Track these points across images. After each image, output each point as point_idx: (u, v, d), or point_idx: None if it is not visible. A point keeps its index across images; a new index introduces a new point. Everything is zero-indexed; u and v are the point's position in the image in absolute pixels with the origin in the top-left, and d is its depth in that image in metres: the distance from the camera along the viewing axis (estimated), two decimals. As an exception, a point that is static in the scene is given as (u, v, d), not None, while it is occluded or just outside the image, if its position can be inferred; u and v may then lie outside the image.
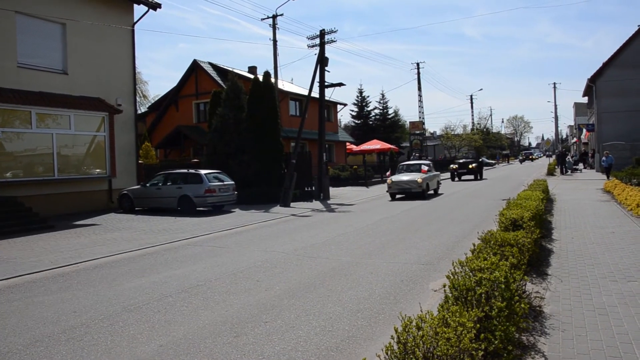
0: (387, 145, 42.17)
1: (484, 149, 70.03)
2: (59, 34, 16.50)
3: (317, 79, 22.13)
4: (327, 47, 22.51)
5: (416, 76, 52.91)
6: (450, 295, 3.80)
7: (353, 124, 58.49)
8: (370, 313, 5.44)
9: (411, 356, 2.80)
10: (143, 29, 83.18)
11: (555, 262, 7.33)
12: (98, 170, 17.30)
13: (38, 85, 15.52)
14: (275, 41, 25.75)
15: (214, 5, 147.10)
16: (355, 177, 31.44)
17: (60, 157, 15.95)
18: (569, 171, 34.58)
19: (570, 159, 37.74)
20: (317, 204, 19.48)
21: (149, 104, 41.47)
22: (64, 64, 16.63)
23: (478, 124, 77.96)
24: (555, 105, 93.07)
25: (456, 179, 33.44)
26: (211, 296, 6.31)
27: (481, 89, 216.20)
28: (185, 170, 17.55)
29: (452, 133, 65.48)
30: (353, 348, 4.47)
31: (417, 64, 52.91)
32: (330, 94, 23.78)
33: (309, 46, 23.40)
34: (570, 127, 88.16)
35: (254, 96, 21.46)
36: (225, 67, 31.78)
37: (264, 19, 26.28)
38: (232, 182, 17.62)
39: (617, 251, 7.88)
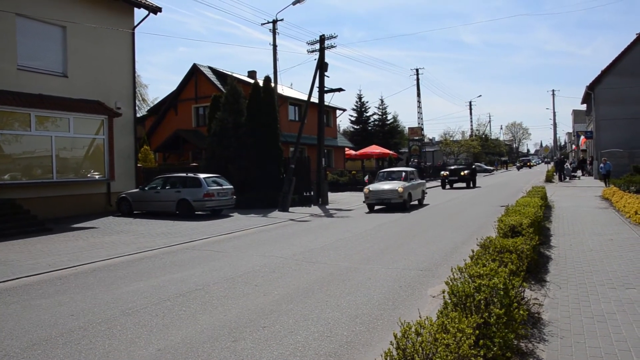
0: (386, 151, 42.20)
1: (483, 155, 70.23)
2: (59, 37, 16.51)
3: (316, 84, 22.20)
4: (326, 52, 22.59)
5: (415, 82, 53.02)
6: (449, 301, 3.80)
7: (352, 129, 58.61)
8: (369, 319, 5.43)
9: (410, 362, 2.79)
10: (143, 33, 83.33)
11: (553, 269, 7.33)
12: (97, 173, 17.26)
13: (38, 88, 15.51)
14: (275, 46, 25.82)
15: (214, 9, 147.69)
16: (354, 183, 31.46)
17: (59, 159, 15.92)
18: (567, 178, 34.63)
19: (569, 166, 37.82)
20: (315, 209, 19.48)
21: (148, 108, 41.59)
22: (63, 67, 16.63)
23: (477, 130, 78.34)
24: (554, 112, 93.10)
25: (447, 186, 31.11)
26: (209, 300, 6.30)
27: (480, 96, 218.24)
28: (184, 174, 17.52)
29: (451, 139, 65.65)
30: (351, 354, 4.46)
31: (416, 70, 53.03)
32: (329, 99, 23.88)
33: (308, 51, 23.48)
34: (568, 134, 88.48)
35: (254, 101, 21.52)
36: (225, 72, 31.81)
37: (264, 23, 26.33)
38: (231, 187, 17.63)
39: (615, 258, 7.88)
